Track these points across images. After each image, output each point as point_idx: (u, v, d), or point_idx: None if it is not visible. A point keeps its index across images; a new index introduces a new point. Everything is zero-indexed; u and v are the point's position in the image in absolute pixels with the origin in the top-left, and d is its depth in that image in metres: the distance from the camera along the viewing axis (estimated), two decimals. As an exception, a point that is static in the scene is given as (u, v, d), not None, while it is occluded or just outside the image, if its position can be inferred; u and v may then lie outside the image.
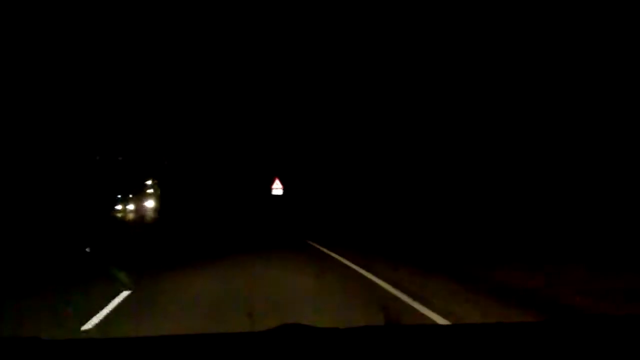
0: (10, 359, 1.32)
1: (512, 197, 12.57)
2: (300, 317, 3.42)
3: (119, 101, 35.16)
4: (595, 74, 10.77)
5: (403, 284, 6.33)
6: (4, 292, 6.59)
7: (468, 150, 14.89)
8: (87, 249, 11.99)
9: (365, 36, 19.51)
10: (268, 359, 1.39)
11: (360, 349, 1.43)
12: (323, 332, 1.53)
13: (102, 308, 5.37)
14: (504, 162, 13.25)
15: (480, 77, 14.32)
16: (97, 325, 4.75)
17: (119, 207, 48.19)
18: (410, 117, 18.01)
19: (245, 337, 1.65)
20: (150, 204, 52.73)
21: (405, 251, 10.29)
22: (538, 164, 12.26)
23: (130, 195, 53.35)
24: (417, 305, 5.21)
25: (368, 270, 7.62)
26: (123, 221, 33.17)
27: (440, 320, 4.61)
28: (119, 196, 50.62)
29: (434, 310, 4.94)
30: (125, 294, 6.16)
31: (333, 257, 9.72)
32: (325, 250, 11.00)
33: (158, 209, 46.40)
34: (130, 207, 50.72)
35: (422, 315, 4.83)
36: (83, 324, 4.77)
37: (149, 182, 58.87)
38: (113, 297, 5.90)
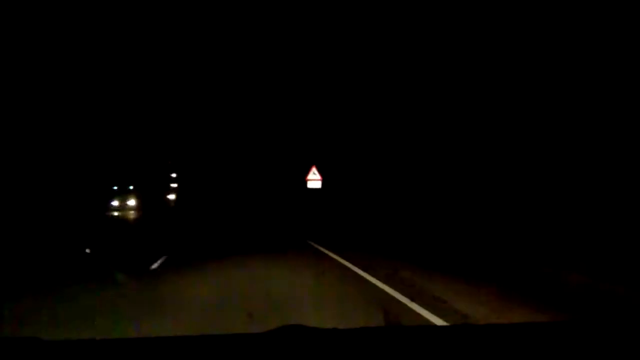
0: (10, 359, 1.32)
1: (513, 197, 12.46)
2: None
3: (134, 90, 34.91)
4: (595, 74, 10.69)
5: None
6: (4, 293, 6.50)
7: (470, 151, 14.93)
8: (87, 250, 11.56)
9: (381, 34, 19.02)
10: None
11: (360, 350, 1.43)
12: (323, 333, 1.54)
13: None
14: (505, 162, 13.19)
15: (481, 77, 14.31)
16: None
17: (115, 202, 33.18)
18: (418, 117, 17.90)
19: (245, 338, 1.64)
20: (172, 196, 50.10)
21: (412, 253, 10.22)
22: (538, 163, 12.14)
23: (131, 187, 38.31)
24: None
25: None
26: (122, 221, 25.10)
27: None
28: (115, 188, 36.41)
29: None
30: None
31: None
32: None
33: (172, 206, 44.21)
34: (132, 202, 34.40)
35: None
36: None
37: (174, 175, 54.33)
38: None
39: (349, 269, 8.24)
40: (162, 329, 4.48)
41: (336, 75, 23.58)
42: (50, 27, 22.05)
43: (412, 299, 5.61)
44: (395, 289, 6.30)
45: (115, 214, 30.77)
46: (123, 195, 36.10)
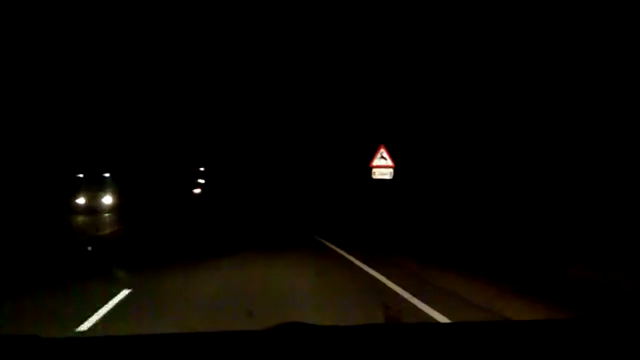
0: (9, 358, 1.31)
1: (512, 197, 12.59)
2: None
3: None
4: (595, 73, 10.75)
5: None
6: (4, 291, 6.41)
7: (472, 149, 14.98)
8: (89, 247, 11.25)
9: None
10: (269, 358, 1.38)
11: (361, 347, 1.43)
12: (323, 331, 1.53)
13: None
14: (506, 162, 13.28)
15: (481, 77, 14.36)
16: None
17: (81, 200, 21.52)
18: (422, 116, 17.98)
19: (245, 336, 1.64)
20: (198, 191, 49.58)
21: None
22: (538, 164, 12.29)
23: (106, 175, 24.26)
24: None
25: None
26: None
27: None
28: (81, 175, 24.06)
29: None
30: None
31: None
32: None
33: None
34: (107, 199, 22.34)
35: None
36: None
37: (202, 169, 54.00)
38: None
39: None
40: (162, 328, 4.44)
41: (337, 71, 23.78)
42: (83, 30, 23.26)
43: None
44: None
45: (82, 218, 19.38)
46: (92, 189, 22.51)
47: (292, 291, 6.23)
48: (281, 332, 1.49)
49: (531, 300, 5.42)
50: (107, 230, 15.44)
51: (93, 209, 21.35)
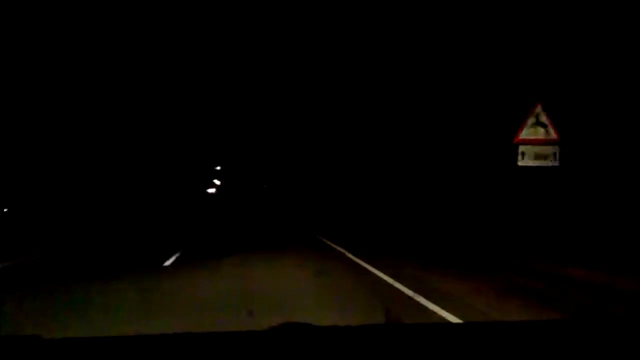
0: (10, 358, 1.31)
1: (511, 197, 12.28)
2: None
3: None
4: (595, 73, 10.66)
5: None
6: (5, 290, 6.52)
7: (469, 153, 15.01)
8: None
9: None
10: (268, 358, 1.38)
11: (361, 347, 1.42)
12: (324, 331, 1.54)
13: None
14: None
15: (481, 77, 14.38)
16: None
17: None
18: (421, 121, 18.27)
19: (245, 336, 1.62)
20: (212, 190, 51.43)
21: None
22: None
23: None
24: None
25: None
26: None
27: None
28: None
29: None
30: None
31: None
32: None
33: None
34: None
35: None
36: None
37: (218, 168, 53.84)
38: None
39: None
40: (162, 328, 4.08)
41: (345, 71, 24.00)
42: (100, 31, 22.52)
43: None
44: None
45: None
46: None
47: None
48: (281, 332, 1.50)
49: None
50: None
51: None
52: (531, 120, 7.46)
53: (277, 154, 43.30)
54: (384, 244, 11.37)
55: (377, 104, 22.37)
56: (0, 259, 9.11)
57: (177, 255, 9.86)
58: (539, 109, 7.55)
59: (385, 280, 6.91)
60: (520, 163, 7.63)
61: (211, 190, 51.26)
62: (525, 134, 7.51)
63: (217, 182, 54.37)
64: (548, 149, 7.41)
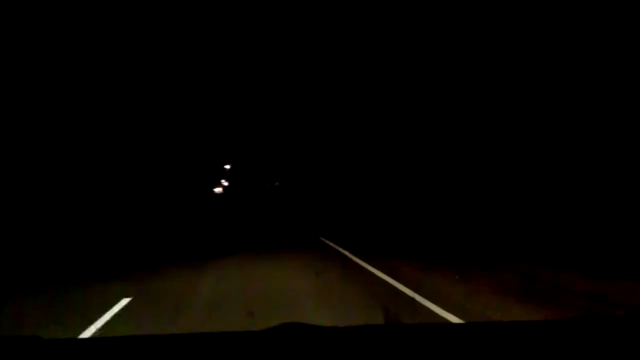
0: (10, 358, 1.31)
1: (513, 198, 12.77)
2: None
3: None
4: (595, 74, 10.70)
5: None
6: (5, 291, 6.54)
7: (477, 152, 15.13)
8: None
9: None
10: (268, 358, 1.37)
11: (360, 347, 1.42)
12: (323, 331, 1.53)
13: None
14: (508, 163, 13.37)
15: (481, 77, 14.42)
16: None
17: None
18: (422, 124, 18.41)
19: (245, 336, 1.62)
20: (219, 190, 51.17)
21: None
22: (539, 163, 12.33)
23: None
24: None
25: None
26: None
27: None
28: None
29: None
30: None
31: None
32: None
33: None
34: None
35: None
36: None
37: (227, 166, 54.07)
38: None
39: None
40: (162, 328, 4.49)
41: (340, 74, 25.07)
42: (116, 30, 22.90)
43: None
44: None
45: None
46: None
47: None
48: (280, 333, 1.49)
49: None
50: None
51: None
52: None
53: (284, 155, 43.68)
54: (389, 245, 11.19)
55: (383, 106, 22.45)
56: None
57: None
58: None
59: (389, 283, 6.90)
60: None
61: (218, 190, 51.23)
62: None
63: (224, 182, 54.51)
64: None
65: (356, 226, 16.25)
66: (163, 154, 34.42)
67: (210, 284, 6.88)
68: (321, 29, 26.58)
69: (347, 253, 9.82)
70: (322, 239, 12.57)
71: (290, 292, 6.14)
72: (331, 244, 11.40)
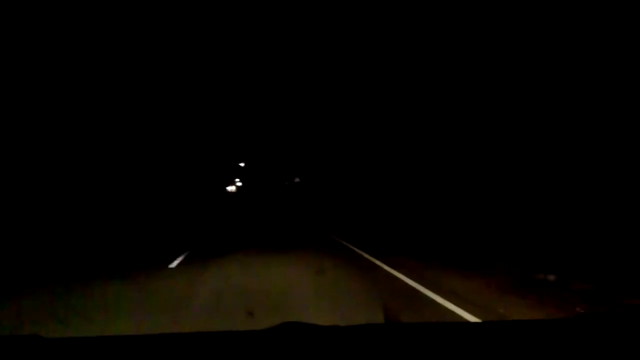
0: (10, 358, 1.30)
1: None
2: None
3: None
4: (595, 73, 10.64)
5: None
6: (5, 289, 6.54)
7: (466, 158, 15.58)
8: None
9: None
10: (268, 358, 1.37)
11: (361, 347, 1.42)
12: (323, 330, 1.52)
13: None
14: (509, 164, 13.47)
15: (481, 78, 14.53)
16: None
17: None
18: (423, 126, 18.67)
19: (245, 336, 1.60)
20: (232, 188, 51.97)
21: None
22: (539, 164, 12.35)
23: None
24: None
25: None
26: None
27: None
28: None
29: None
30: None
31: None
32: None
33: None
34: None
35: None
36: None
37: (242, 164, 53.90)
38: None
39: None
40: (162, 327, 4.45)
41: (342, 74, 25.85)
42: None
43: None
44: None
45: None
46: None
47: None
48: (280, 332, 1.48)
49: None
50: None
51: None
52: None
53: (301, 152, 43.62)
54: (403, 245, 11.11)
55: (394, 109, 22.45)
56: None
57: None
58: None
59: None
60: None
61: (231, 188, 51.47)
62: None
63: (238, 182, 54.66)
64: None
65: (367, 225, 16.24)
66: (176, 152, 34.13)
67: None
68: (344, 24, 26.14)
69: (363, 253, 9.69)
70: (334, 237, 12.74)
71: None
72: (350, 246, 11.12)
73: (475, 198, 15.09)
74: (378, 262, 8.51)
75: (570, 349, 1.36)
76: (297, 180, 46.48)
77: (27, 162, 17.45)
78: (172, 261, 8.94)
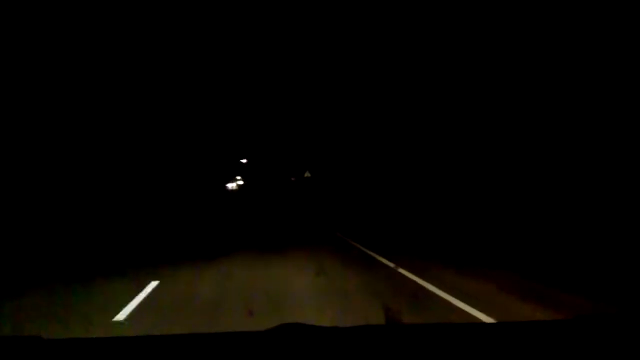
0: (10, 358, 1.30)
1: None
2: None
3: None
4: (595, 73, 10.62)
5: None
6: (5, 290, 6.52)
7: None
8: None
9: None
10: (268, 359, 1.37)
11: (361, 348, 1.41)
12: (323, 331, 1.52)
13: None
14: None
15: (482, 78, 14.70)
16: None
17: None
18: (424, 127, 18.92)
19: (245, 337, 1.62)
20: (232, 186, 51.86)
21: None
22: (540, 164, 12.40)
23: None
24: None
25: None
26: None
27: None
28: None
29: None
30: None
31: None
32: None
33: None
34: None
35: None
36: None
37: (244, 160, 53.99)
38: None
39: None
40: (162, 328, 4.50)
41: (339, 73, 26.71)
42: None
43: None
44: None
45: None
46: None
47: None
48: (280, 333, 1.49)
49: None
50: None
51: None
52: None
53: (308, 148, 43.39)
54: (411, 244, 10.92)
55: (399, 111, 22.45)
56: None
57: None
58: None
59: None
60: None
61: (231, 185, 50.95)
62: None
63: (239, 179, 54.40)
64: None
65: (372, 223, 15.92)
66: (177, 149, 33.92)
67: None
68: (351, 22, 26.24)
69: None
70: (340, 236, 12.58)
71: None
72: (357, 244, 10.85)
73: (489, 197, 15.03)
74: (392, 265, 8.10)
75: (570, 350, 1.35)
76: (307, 175, 44.83)
77: (27, 162, 17.43)
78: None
